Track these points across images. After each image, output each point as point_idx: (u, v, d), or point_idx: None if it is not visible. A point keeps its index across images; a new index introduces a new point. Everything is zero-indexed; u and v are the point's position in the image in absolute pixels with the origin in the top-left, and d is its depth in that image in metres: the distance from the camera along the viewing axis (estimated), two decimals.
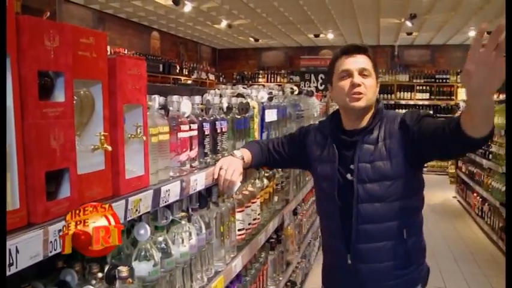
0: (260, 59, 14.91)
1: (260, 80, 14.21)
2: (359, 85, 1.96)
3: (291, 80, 13.42)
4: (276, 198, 2.96)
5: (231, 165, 1.94)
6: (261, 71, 14.56)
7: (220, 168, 1.92)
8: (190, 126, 1.69)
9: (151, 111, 1.54)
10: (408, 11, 9.33)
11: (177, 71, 11.91)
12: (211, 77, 13.89)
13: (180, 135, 1.64)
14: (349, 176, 2.00)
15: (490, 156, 6.71)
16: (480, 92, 1.44)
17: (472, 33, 11.74)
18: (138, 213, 1.36)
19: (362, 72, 1.98)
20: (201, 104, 1.88)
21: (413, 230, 2.03)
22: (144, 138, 1.39)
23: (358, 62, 2.00)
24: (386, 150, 1.96)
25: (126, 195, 1.31)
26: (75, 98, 1.19)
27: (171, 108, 1.64)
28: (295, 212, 3.68)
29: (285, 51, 14.69)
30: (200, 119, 1.82)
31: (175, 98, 1.67)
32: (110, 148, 1.23)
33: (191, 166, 1.74)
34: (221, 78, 14.42)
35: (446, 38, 12.72)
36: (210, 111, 1.95)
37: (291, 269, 3.61)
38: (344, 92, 2.00)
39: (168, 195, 1.52)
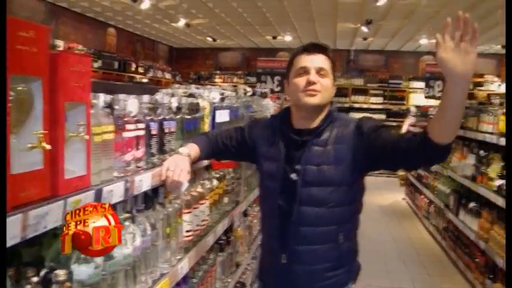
0: (217, 59, 14.88)
1: (217, 80, 14.18)
2: (314, 83, 1.96)
3: (248, 81, 13.44)
4: (226, 200, 2.95)
5: (178, 165, 1.88)
6: (217, 71, 14.54)
7: (167, 169, 1.88)
8: (136, 126, 1.67)
9: (95, 109, 1.50)
10: (364, 16, 9.54)
11: (133, 69, 11.73)
12: (168, 76, 13.75)
13: (126, 134, 1.61)
14: (293, 176, 1.98)
15: None
16: (459, 74, 1.53)
17: (423, 41, 12.14)
18: None
19: (319, 71, 1.98)
20: (150, 103, 1.85)
21: (349, 235, 2.05)
22: (87, 137, 1.35)
23: (316, 61, 1.99)
24: (334, 154, 1.95)
25: (65, 196, 1.27)
26: (12, 94, 1.14)
27: (117, 107, 1.61)
28: (245, 214, 3.69)
29: (242, 52, 14.72)
30: (147, 118, 1.79)
31: (121, 96, 1.63)
32: (48, 147, 1.19)
33: (137, 166, 1.71)
34: (178, 78, 14.29)
35: (400, 44, 13.09)
36: (159, 111, 1.92)
37: (241, 271, 3.61)
38: (299, 89, 1.98)
39: (111, 195, 1.48)
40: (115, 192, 1.50)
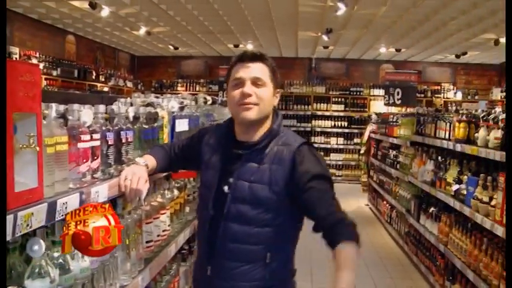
0: (180, 68, 14.78)
1: (179, 88, 14.09)
2: (250, 95, 1.87)
3: (210, 89, 13.43)
4: (187, 209, 2.93)
5: (136, 174, 1.84)
6: (180, 80, 14.44)
7: (125, 179, 1.83)
8: (91, 136, 1.63)
9: (48, 120, 1.47)
10: (324, 25, 9.69)
11: (93, 77, 11.52)
12: (129, 84, 13.57)
13: (80, 145, 1.57)
14: (226, 188, 1.92)
15: (398, 166, 7.10)
16: None
17: (382, 50, 12.43)
18: (30, 228, 1.28)
19: (255, 82, 1.89)
20: (106, 113, 1.82)
21: (279, 255, 1.94)
22: (38, 148, 1.31)
23: (251, 71, 1.90)
24: (269, 175, 1.87)
25: (15, 210, 1.23)
26: None
27: (70, 117, 1.58)
28: None
29: (204, 60, 14.68)
30: (103, 128, 1.76)
31: (75, 106, 1.60)
32: None
33: (93, 177, 1.67)
34: (139, 86, 14.13)
35: (360, 53, 13.35)
36: (115, 121, 1.89)
37: None
38: (235, 101, 1.91)
39: (66, 208, 1.44)
40: (70, 204, 1.46)
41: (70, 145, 1.53)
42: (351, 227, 1.85)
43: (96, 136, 1.67)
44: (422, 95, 13.70)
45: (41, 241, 1.40)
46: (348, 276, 1.70)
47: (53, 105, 1.48)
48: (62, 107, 1.59)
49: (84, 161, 1.60)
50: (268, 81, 1.93)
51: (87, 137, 1.60)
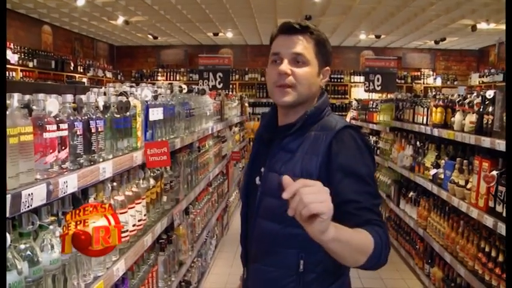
0: (159, 57, 14.65)
1: (159, 78, 13.98)
2: (286, 74, 1.60)
3: (191, 78, 13.35)
4: (164, 198, 2.91)
5: None
6: (160, 69, 14.31)
7: None
8: (58, 126, 1.60)
9: (10, 110, 1.43)
10: (303, 12, 9.67)
11: (72, 68, 11.35)
12: (109, 75, 13.42)
13: (46, 135, 1.54)
14: (257, 179, 1.71)
15: (378, 151, 7.15)
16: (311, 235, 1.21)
17: (362, 36, 12.46)
18: None
19: (295, 59, 1.61)
20: (73, 102, 1.79)
21: (317, 268, 1.60)
22: None
23: (291, 45, 1.61)
24: (301, 165, 1.58)
25: None
26: None
27: (35, 107, 1.54)
28: (187, 212, 3.65)
29: (184, 49, 14.57)
30: (71, 118, 1.73)
31: (40, 96, 1.56)
32: None
33: (61, 168, 1.65)
34: (119, 76, 13.97)
35: (340, 39, 13.36)
36: (84, 110, 1.86)
37: (185, 269, 3.58)
38: (271, 81, 1.65)
39: (31, 199, 1.42)
40: (36, 195, 1.44)
41: (35, 135, 1.49)
42: (383, 228, 1.48)
43: (64, 126, 1.63)
44: (403, 81, 13.82)
45: (6, 233, 1.37)
46: (342, 234, 1.26)
47: (15, 95, 1.44)
48: (26, 97, 1.55)
49: (51, 151, 1.56)
50: (312, 58, 1.64)
51: (54, 127, 1.56)
